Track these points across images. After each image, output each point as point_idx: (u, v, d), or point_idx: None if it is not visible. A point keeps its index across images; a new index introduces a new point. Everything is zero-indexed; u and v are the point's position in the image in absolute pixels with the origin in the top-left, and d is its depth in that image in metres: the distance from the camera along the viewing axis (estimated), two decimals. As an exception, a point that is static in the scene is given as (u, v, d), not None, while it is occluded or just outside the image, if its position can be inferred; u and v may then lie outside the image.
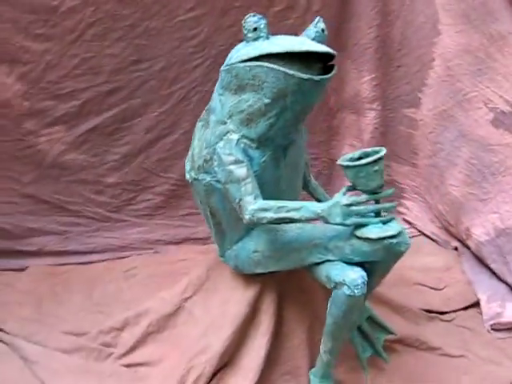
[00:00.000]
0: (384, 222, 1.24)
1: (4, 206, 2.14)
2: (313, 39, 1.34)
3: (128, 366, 1.62)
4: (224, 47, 2.13)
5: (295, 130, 1.42)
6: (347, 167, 1.22)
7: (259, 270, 1.49)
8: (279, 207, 1.25)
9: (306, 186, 1.68)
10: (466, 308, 1.97)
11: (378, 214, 1.25)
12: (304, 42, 1.30)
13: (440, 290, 2.06)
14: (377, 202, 1.24)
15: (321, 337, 1.39)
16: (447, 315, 1.92)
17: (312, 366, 1.50)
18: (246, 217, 1.28)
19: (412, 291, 2.01)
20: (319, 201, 1.67)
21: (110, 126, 2.18)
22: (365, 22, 2.20)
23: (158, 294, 1.79)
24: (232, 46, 1.92)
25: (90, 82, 2.10)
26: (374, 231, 1.23)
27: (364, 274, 1.26)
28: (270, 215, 1.25)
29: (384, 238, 1.22)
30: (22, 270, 2.12)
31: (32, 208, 2.17)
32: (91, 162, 2.19)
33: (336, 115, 2.42)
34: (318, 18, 1.39)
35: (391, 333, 1.64)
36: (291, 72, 1.24)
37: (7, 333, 1.72)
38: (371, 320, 1.61)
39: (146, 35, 2.10)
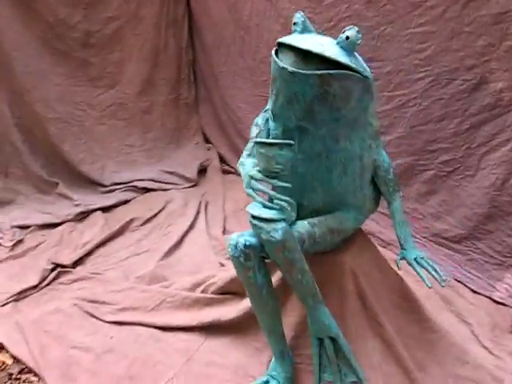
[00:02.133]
0: (264, 206, 1.36)
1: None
2: (337, 43, 1.40)
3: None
4: (447, 69, 2.04)
5: (295, 118, 1.47)
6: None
7: None
8: (242, 163, 1.54)
9: (388, 205, 1.75)
10: None
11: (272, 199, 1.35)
12: (308, 42, 1.38)
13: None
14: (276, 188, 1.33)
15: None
16: None
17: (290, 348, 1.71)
18: (237, 164, 1.60)
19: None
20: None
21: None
22: None
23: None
24: (455, 70, 1.93)
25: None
26: (250, 206, 1.37)
27: (242, 242, 1.42)
28: (241, 169, 1.53)
29: (250, 214, 1.34)
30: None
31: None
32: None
33: None
34: (350, 26, 1.41)
35: (360, 380, 1.59)
36: (274, 57, 1.42)
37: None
38: (340, 351, 1.59)
39: (381, 38, 2.20)
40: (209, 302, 1.98)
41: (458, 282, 2.23)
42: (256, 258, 1.45)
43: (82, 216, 2.73)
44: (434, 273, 1.60)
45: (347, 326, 1.71)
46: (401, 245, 1.73)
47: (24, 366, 1.83)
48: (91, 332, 1.97)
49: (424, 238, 2.36)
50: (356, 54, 1.49)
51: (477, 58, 1.97)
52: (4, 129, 2.74)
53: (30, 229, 2.62)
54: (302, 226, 1.55)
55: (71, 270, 2.33)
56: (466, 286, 2.20)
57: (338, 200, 1.65)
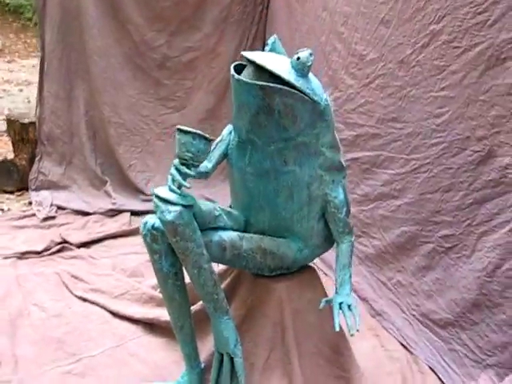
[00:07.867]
0: (170, 189, 1.38)
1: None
2: (290, 63, 1.45)
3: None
4: (460, 137, 1.96)
5: (244, 129, 1.52)
6: None
7: None
8: None
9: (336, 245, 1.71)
10: None
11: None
12: (265, 58, 1.45)
13: None
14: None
15: None
16: None
17: None
18: None
19: None
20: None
21: (364, 164, 2.45)
22: None
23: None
24: (467, 139, 1.95)
25: (365, 121, 2.43)
26: (159, 187, 1.42)
27: (151, 222, 1.47)
28: None
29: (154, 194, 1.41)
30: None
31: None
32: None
33: None
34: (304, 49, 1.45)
35: None
36: (231, 69, 1.48)
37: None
38: (235, 372, 1.54)
39: (407, 99, 2.18)
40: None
41: (432, 370, 2.01)
42: (164, 243, 1.49)
43: (113, 213, 2.95)
44: (347, 319, 1.50)
45: (259, 354, 1.66)
46: (336, 288, 1.64)
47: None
48: (56, 298, 2.13)
49: (413, 315, 2.19)
50: (314, 79, 1.52)
51: (488, 129, 1.87)
52: (77, 123, 3.11)
53: (66, 211, 2.90)
54: (229, 234, 1.56)
55: (75, 248, 2.53)
56: (438, 377, 1.98)
57: (284, 226, 1.65)
